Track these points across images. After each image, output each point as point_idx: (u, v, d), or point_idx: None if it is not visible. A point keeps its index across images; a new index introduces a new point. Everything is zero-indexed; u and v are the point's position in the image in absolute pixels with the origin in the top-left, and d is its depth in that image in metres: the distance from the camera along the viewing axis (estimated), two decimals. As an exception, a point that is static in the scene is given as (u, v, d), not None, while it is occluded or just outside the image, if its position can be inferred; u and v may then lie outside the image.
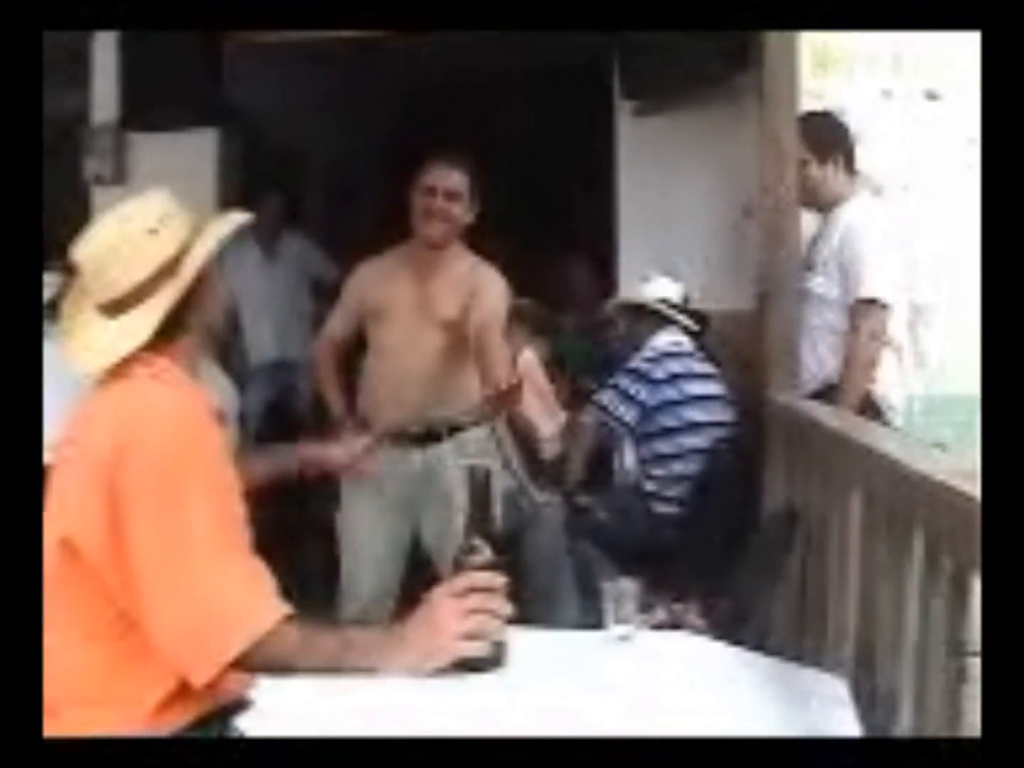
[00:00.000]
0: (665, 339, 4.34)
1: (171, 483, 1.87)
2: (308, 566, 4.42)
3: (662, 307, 4.37)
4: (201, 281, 2.10)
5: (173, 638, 1.85)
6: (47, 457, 2.06)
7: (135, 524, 1.85)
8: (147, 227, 2.07)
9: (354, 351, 4.03)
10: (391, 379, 3.65)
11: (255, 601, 1.87)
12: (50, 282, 4.09)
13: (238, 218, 2.23)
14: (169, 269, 2.05)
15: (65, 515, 1.92)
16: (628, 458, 4.48)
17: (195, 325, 2.13)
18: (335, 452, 2.73)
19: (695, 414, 4.25)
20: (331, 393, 3.85)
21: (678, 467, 4.21)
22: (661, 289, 4.45)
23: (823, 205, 3.93)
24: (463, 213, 3.65)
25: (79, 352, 2.08)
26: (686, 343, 4.37)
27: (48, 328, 4.02)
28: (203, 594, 1.84)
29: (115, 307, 2.06)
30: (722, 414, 4.28)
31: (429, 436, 3.65)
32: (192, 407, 2.02)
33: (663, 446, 4.26)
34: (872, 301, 3.69)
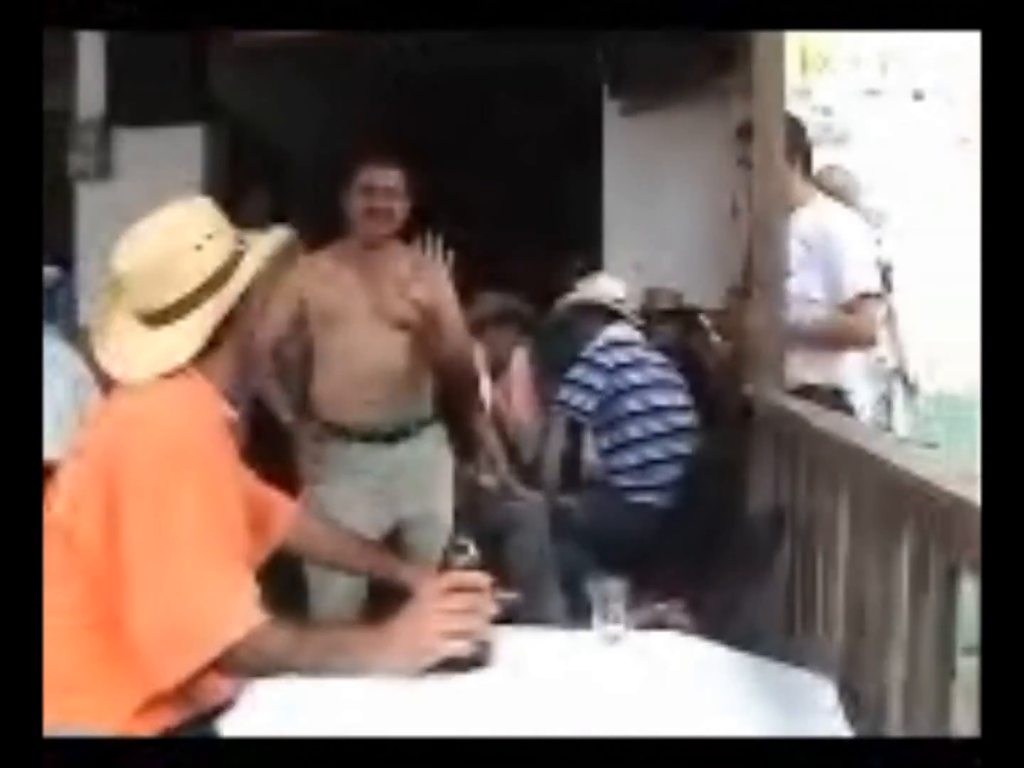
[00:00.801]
0: (617, 331, 4.42)
1: (164, 484, 1.87)
2: (276, 566, 4.40)
3: (612, 303, 4.47)
4: (244, 303, 2.10)
5: (146, 638, 1.85)
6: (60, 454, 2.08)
7: (126, 521, 1.86)
8: (194, 242, 2.06)
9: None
10: (356, 382, 3.62)
11: (229, 610, 1.86)
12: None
13: (282, 234, 2.22)
14: (214, 283, 2.05)
15: (66, 505, 1.93)
16: (588, 450, 4.51)
17: (230, 341, 2.11)
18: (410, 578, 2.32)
19: (652, 399, 4.30)
20: (276, 397, 3.83)
21: (644, 453, 4.25)
22: (607, 287, 4.56)
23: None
24: (401, 210, 3.65)
25: (116, 361, 2.07)
26: (635, 334, 4.45)
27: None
28: (178, 598, 1.84)
29: (158, 318, 2.06)
30: (679, 399, 4.33)
31: (398, 432, 3.65)
32: (197, 412, 2.00)
33: (622, 433, 4.29)
34: (868, 295, 3.81)
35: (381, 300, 3.60)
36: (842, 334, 3.86)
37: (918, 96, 4.93)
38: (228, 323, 2.08)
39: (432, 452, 3.75)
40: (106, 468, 1.89)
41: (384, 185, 3.60)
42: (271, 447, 4.01)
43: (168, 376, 2.03)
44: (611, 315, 4.50)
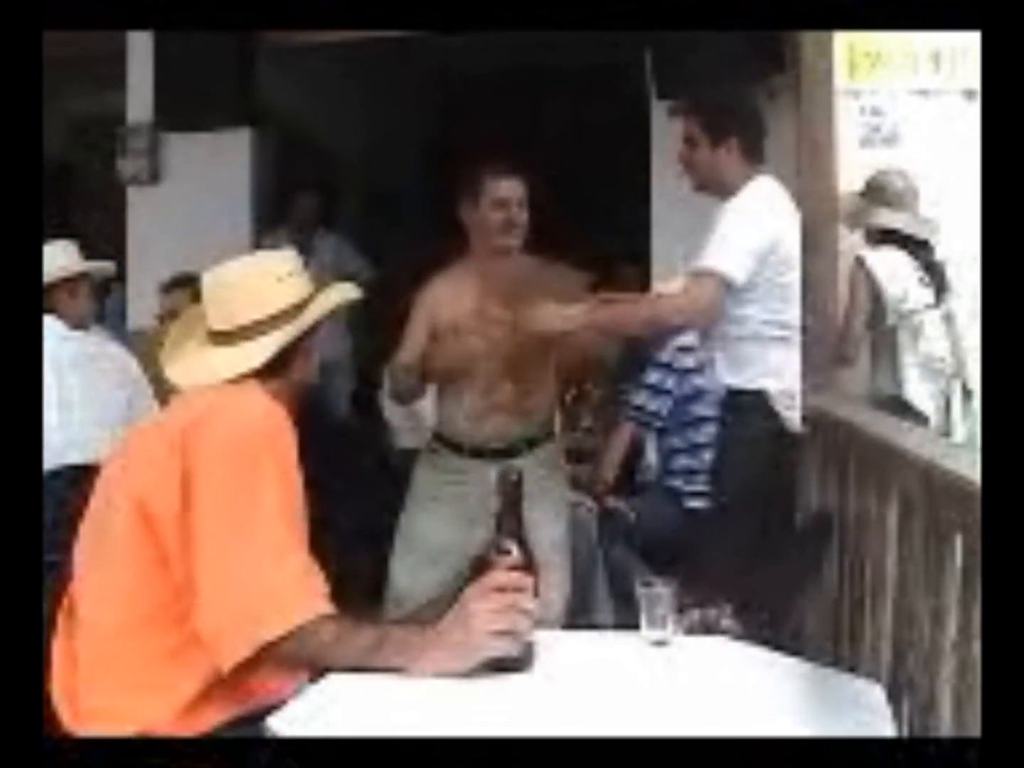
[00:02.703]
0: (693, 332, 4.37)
1: (245, 465, 1.93)
2: (354, 569, 4.44)
3: None
4: (308, 333, 2.24)
5: (215, 615, 1.88)
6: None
7: (203, 496, 1.90)
8: (277, 274, 2.23)
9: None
10: (475, 393, 3.67)
11: (302, 594, 1.90)
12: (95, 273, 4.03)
13: (349, 290, 2.36)
14: (284, 316, 2.19)
15: (142, 476, 1.97)
16: (650, 451, 4.49)
17: (294, 370, 2.24)
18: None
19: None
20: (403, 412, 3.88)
21: (706, 458, 4.22)
22: None
23: (714, 191, 3.65)
24: (527, 218, 3.69)
25: (183, 374, 2.23)
26: None
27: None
28: (255, 576, 1.88)
29: (227, 337, 2.19)
30: None
31: (509, 451, 3.66)
32: (270, 405, 2.07)
33: (690, 437, 4.28)
34: (703, 274, 3.40)
35: (507, 311, 3.63)
36: (645, 313, 3.59)
37: (969, 95, 4.88)
38: (293, 350, 2.21)
39: (537, 474, 3.58)
40: (184, 439, 1.94)
41: (517, 197, 3.65)
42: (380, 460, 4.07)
43: (238, 384, 2.13)
44: None
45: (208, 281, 2.23)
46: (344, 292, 2.35)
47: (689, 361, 4.31)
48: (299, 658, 1.89)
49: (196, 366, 2.21)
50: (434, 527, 3.70)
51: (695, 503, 4.21)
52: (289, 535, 1.95)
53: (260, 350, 2.15)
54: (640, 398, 4.34)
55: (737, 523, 3.51)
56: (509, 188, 3.67)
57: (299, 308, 2.22)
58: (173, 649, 1.94)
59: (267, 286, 2.20)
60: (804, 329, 3.42)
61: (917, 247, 4.20)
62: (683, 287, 3.51)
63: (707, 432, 4.23)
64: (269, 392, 2.14)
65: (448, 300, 3.73)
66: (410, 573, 3.69)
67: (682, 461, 4.31)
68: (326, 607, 1.91)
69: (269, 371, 2.16)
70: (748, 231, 3.41)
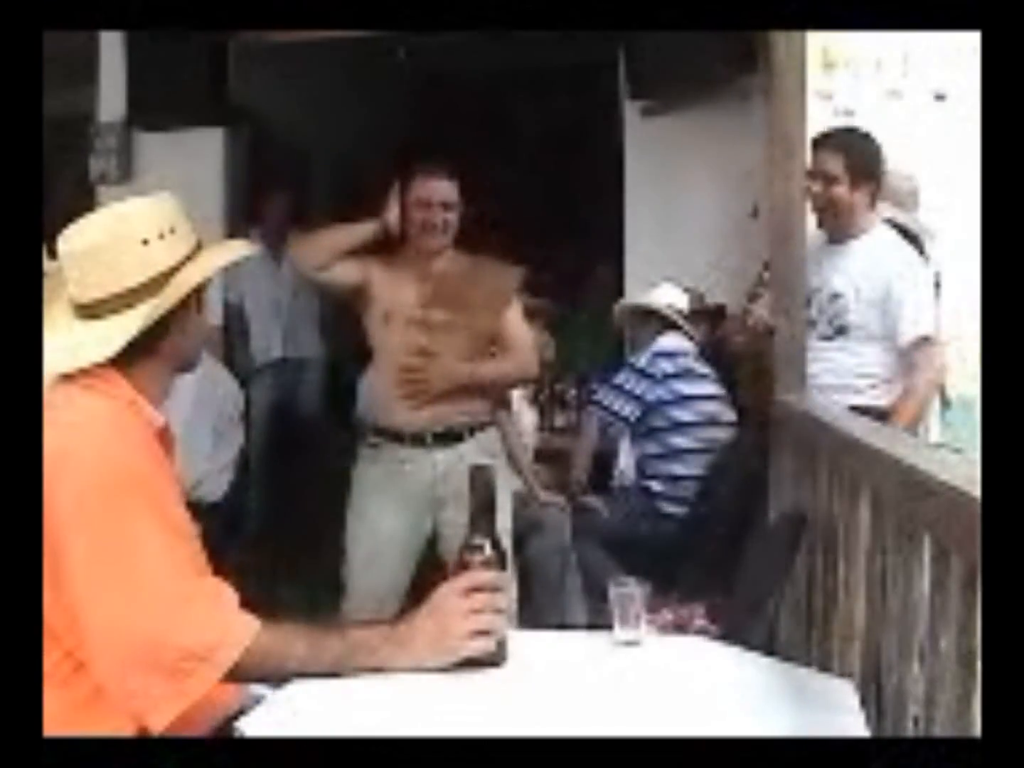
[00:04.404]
0: (669, 341, 4.38)
1: (109, 504, 1.77)
2: (313, 565, 4.43)
3: (669, 311, 4.42)
4: (185, 307, 1.98)
5: (127, 677, 1.75)
6: None
7: (74, 553, 1.74)
8: (142, 236, 1.93)
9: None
10: (412, 388, 3.66)
11: (216, 634, 1.77)
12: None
13: (240, 247, 2.17)
14: (155, 285, 1.92)
15: None
16: (623, 457, 4.50)
17: (166, 350, 1.99)
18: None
19: (696, 412, 4.27)
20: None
21: (681, 465, 4.23)
22: (668, 295, 4.50)
23: (839, 229, 3.81)
24: (456, 220, 3.66)
25: (46, 351, 1.91)
26: (689, 347, 4.41)
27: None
28: (159, 634, 1.75)
29: (90, 310, 1.94)
30: (725, 414, 4.32)
31: (449, 436, 3.65)
32: (127, 433, 1.87)
33: (664, 443, 4.28)
34: (928, 338, 3.65)
35: (439, 306, 3.62)
36: (918, 390, 3.70)
37: (939, 97, 4.91)
38: (162, 328, 1.95)
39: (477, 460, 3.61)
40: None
41: (440, 198, 3.62)
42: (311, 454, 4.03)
43: (89, 385, 1.90)
44: (667, 324, 4.46)
45: (65, 246, 1.94)
46: (223, 254, 2.06)
47: (668, 367, 4.31)
48: (273, 678, 1.80)
49: (60, 345, 1.91)
50: (382, 519, 3.67)
51: (671, 507, 4.22)
52: (183, 569, 1.81)
53: (119, 332, 1.87)
54: (602, 395, 4.34)
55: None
56: (432, 189, 3.63)
57: (170, 276, 1.93)
58: (77, 707, 1.80)
59: (128, 250, 1.91)
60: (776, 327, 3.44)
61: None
62: (921, 362, 3.67)
63: (688, 438, 4.25)
64: (138, 377, 1.93)
65: (386, 286, 3.69)
66: (364, 568, 3.67)
67: (659, 466, 4.30)
68: (249, 628, 1.78)
69: (131, 349, 1.89)
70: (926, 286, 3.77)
